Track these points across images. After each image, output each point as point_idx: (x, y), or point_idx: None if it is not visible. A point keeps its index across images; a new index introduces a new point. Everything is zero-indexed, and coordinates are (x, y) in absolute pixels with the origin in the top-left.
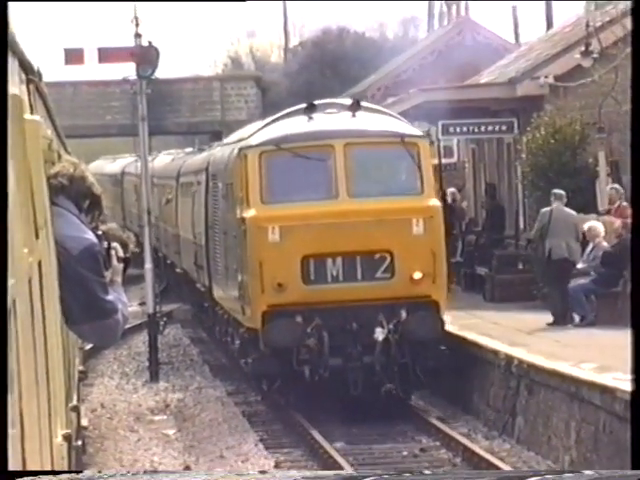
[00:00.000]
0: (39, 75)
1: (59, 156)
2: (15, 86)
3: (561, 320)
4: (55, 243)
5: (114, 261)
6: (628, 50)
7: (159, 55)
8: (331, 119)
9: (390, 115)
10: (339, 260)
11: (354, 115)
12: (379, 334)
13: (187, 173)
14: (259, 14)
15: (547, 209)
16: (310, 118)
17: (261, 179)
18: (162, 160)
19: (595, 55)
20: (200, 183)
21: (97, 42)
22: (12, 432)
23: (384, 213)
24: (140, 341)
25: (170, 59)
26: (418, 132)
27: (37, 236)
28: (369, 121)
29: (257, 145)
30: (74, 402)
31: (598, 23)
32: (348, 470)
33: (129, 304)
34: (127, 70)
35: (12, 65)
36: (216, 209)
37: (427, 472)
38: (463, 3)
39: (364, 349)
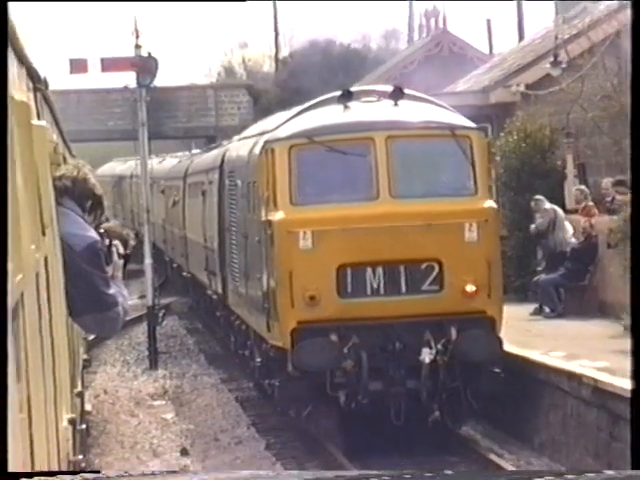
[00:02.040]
0: (45, 84)
1: (64, 159)
2: (23, 93)
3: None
4: (60, 240)
5: (115, 257)
6: (594, 60)
7: (158, 65)
8: (370, 108)
9: (438, 104)
10: (380, 270)
11: (396, 104)
12: (426, 355)
13: (196, 173)
14: (251, 26)
15: (549, 206)
16: (346, 107)
17: (290, 177)
18: (169, 162)
19: (563, 65)
20: (212, 182)
21: (100, 52)
22: (20, 416)
23: (432, 217)
24: (140, 332)
25: (168, 68)
26: (471, 124)
27: (44, 234)
28: (414, 111)
29: (286, 138)
30: (78, 388)
31: (566, 36)
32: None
33: (129, 297)
34: (128, 79)
35: (20, 74)
36: (233, 210)
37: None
38: (441, 17)
39: (408, 372)
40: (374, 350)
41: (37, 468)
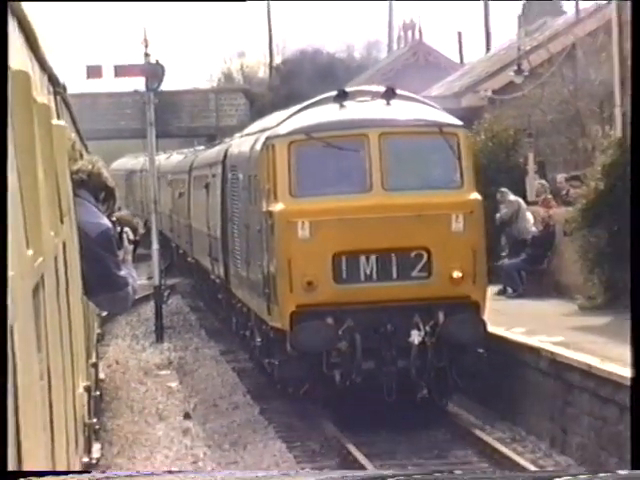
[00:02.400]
0: (64, 88)
1: (81, 155)
2: (44, 96)
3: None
4: (77, 227)
5: (125, 242)
6: (552, 69)
7: (164, 71)
8: (364, 107)
9: (427, 104)
10: (373, 258)
11: (388, 103)
12: (415, 337)
13: (200, 167)
14: (248, 37)
15: (513, 198)
16: (342, 106)
17: (290, 170)
18: (175, 157)
19: (525, 73)
20: (215, 175)
21: (113, 59)
22: (41, 383)
23: (421, 208)
24: (148, 309)
25: (173, 74)
26: (458, 122)
27: (62, 221)
28: (405, 109)
29: (286, 134)
30: (93, 359)
31: (528, 47)
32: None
33: (138, 278)
34: (138, 83)
35: (42, 79)
36: (235, 201)
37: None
38: (417, 29)
39: (399, 353)
40: (367, 332)
41: (55, 430)
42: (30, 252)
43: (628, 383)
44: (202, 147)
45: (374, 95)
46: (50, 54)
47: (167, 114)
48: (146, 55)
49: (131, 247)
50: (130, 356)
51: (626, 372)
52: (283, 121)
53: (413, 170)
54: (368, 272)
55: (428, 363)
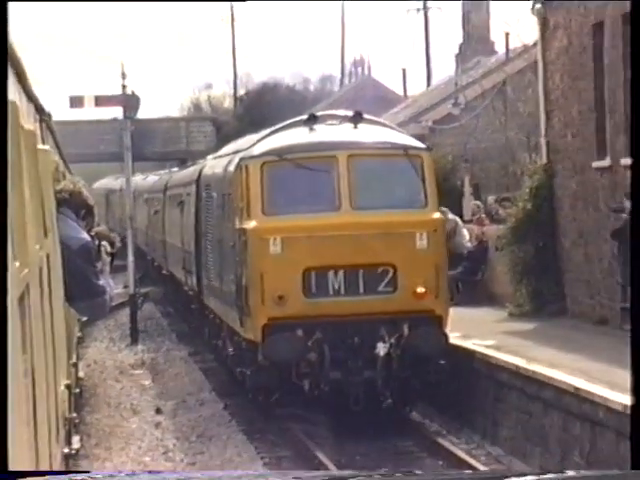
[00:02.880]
0: (49, 116)
1: (64, 176)
2: (31, 124)
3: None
4: (60, 241)
5: (103, 255)
6: (485, 103)
7: (139, 101)
8: (333, 130)
9: (391, 127)
10: (341, 273)
11: (356, 127)
12: (381, 349)
13: (174, 186)
14: (215, 71)
15: (452, 216)
16: (311, 129)
17: (262, 190)
18: (151, 178)
19: (462, 106)
20: (190, 194)
21: (93, 89)
22: (25, 381)
23: (387, 226)
24: (124, 315)
25: (148, 103)
26: (421, 144)
27: (46, 236)
28: (372, 133)
29: (259, 155)
30: (73, 360)
31: (464, 83)
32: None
33: (115, 287)
34: (116, 112)
35: (29, 108)
36: (209, 218)
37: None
38: (367, 65)
39: (365, 364)
40: (335, 344)
41: (39, 424)
42: (17, 264)
43: (551, 382)
44: (176, 169)
45: (342, 119)
46: (36, 86)
47: (142, 140)
48: (123, 87)
49: (108, 259)
50: (107, 357)
51: (550, 372)
52: (256, 143)
53: (380, 190)
54: (336, 287)
55: (393, 374)
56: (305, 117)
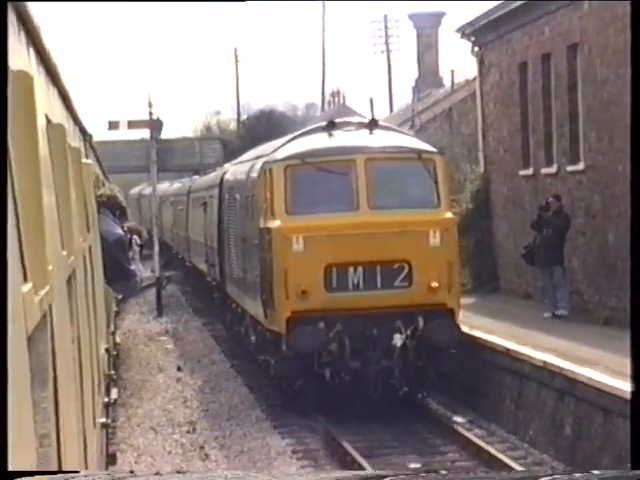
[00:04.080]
0: (91, 136)
1: (103, 184)
2: (76, 142)
3: None
4: (100, 235)
5: (134, 246)
6: (436, 125)
7: (162, 125)
8: (351, 136)
9: (404, 134)
10: (360, 269)
11: (371, 132)
12: (397, 340)
13: (196, 190)
14: (223, 100)
15: None
16: (330, 135)
17: (286, 191)
18: (176, 185)
19: (417, 127)
20: (212, 197)
21: (125, 115)
22: (72, 346)
23: (403, 225)
24: (151, 293)
25: (169, 126)
26: (434, 149)
27: (88, 231)
28: (387, 138)
29: (282, 159)
30: (111, 329)
31: (419, 109)
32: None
33: (144, 271)
34: (144, 133)
35: (75, 130)
36: (232, 218)
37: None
38: (342, 96)
39: (383, 354)
40: (355, 335)
41: (84, 380)
42: (64, 252)
43: (488, 344)
44: (196, 176)
45: (358, 125)
46: (81, 112)
47: (164, 155)
48: (150, 113)
49: (138, 249)
50: (138, 326)
51: (487, 336)
52: (278, 148)
53: (395, 191)
54: (355, 282)
55: (409, 363)
56: (324, 124)
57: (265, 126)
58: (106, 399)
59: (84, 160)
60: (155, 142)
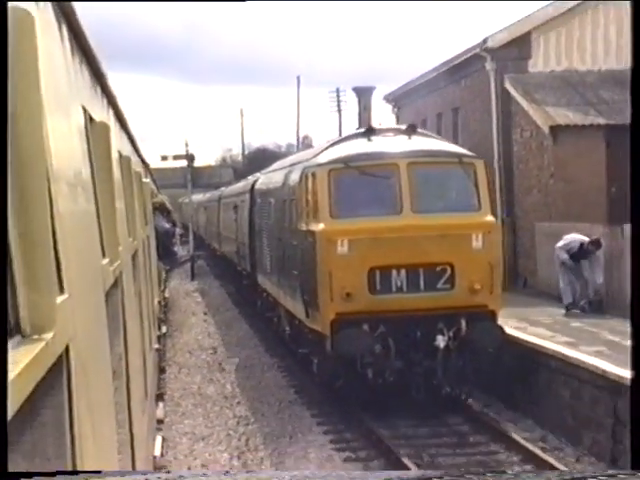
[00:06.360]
0: (148, 165)
1: (156, 195)
2: (139, 168)
3: None
4: (154, 228)
5: (177, 235)
6: None
7: (195, 158)
8: (390, 141)
9: (441, 139)
10: (403, 272)
11: (410, 138)
12: (440, 341)
13: (226, 197)
14: (233, 141)
15: None
16: (370, 140)
17: (330, 195)
18: (208, 195)
19: None
20: (244, 201)
21: (172, 151)
22: (135, 299)
23: (446, 228)
24: (187, 265)
25: (199, 158)
26: (473, 154)
27: (147, 224)
28: (426, 143)
29: (326, 163)
30: (162, 288)
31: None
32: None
33: (183, 251)
34: (183, 163)
35: (138, 161)
36: (265, 219)
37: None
38: (310, 139)
39: (426, 355)
40: (398, 337)
41: (144, 320)
42: (130, 239)
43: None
44: (223, 188)
45: (396, 131)
46: (142, 149)
47: (196, 177)
48: (186, 150)
49: (179, 237)
50: (179, 286)
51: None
52: (318, 154)
53: (437, 195)
54: (399, 284)
55: (451, 364)
56: (363, 130)
57: (260, 159)
58: (158, 332)
59: (144, 180)
60: (190, 169)
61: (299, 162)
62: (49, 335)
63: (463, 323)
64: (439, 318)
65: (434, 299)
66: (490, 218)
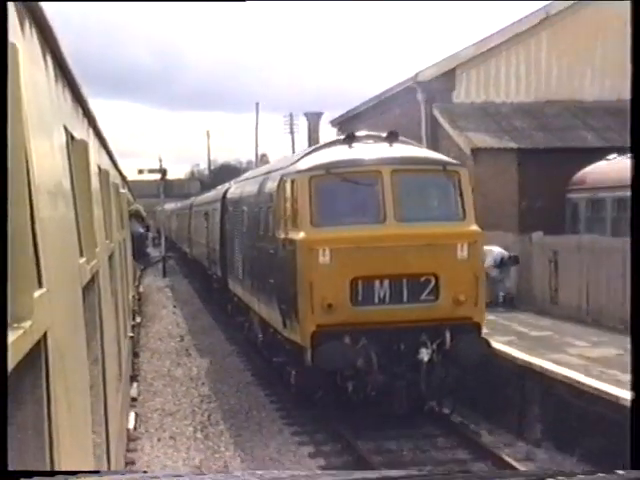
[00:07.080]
0: (126, 177)
1: (132, 203)
2: (117, 181)
3: None
4: (130, 232)
5: (149, 238)
6: None
7: (167, 172)
8: (372, 148)
9: (423, 147)
10: (386, 282)
11: (391, 145)
12: (424, 354)
13: (198, 205)
14: (200, 158)
15: None
16: (351, 147)
17: (311, 202)
18: (180, 204)
19: None
20: (215, 209)
21: (147, 165)
22: (112, 297)
23: (430, 238)
24: (159, 265)
25: (171, 171)
26: (457, 162)
27: (123, 228)
28: (408, 150)
29: (306, 170)
30: (137, 284)
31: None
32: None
33: (157, 253)
34: (157, 176)
35: (116, 174)
36: (237, 226)
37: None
38: (267, 156)
39: (409, 368)
40: (381, 350)
41: (119, 312)
42: (107, 241)
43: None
44: (193, 198)
45: (376, 138)
46: (120, 163)
47: (168, 188)
48: (160, 165)
49: (152, 240)
50: (152, 283)
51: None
52: (298, 160)
53: (421, 203)
54: (382, 295)
55: (435, 377)
56: (343, 137)
57: (224, 173)
58: (133, 322)
59: (121, 190)
60: (163, 181)
61: (276, 170)
62: (27, 324)
63: (447, 336)
64: (423, 330)
65: (418, 311)
66: (475, 227)
